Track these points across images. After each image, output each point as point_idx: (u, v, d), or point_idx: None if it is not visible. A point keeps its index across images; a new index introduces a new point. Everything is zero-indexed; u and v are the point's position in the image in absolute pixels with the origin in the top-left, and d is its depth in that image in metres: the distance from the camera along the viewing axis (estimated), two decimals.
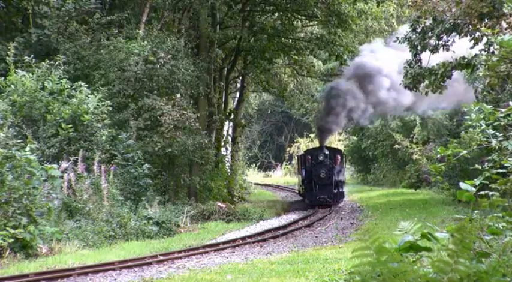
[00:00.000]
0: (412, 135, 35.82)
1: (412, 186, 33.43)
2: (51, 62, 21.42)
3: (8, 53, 20.61)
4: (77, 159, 19.06)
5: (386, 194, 34.78)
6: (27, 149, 16.57)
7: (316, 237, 20.22)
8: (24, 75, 20.49)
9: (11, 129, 17.86)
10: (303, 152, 38.50)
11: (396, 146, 36.03)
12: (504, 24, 9.47)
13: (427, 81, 17.62)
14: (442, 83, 17.03)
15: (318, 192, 31.15)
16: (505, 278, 3.99)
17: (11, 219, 15.03)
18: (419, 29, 17.65)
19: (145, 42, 24.38)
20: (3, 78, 20.82)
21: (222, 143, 34.44)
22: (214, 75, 31.42)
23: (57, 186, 17.51)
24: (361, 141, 46.11)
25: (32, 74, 20.82)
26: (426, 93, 18.55)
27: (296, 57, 35.86)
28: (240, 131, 38.79)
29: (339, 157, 33.54)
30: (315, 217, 25.97)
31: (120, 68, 23.91)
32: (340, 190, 32.60)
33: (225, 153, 35.47)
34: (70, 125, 20.12)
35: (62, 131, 20.09)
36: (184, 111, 24.78)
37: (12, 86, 20.27)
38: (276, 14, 32.71)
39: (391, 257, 3.96)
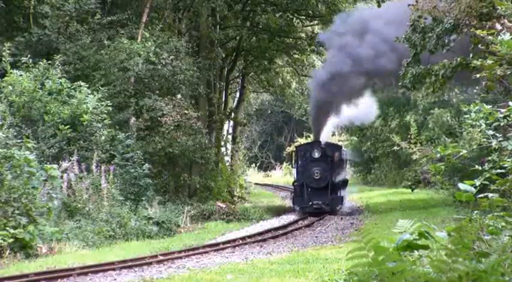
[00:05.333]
0: (409, 136, 35.79)
1: (409, 187, 33.14)
2: (50, 62, 21.41)
3: (4, 53, 20.52)
4: (76, 159, 19.06)
5: (387, 194, 34.79)
6: (23, 148, 16.56)
7: (316, 237, 20.22)
8: (22, 75, 20.47)
9: (11, 129, 17.87)
10: (294, 148, 33.59)
11: (395, 147, 35.98)
12: (498, 26, 9.49)
13: (427, 82, 17.57)
14: (443, 84, 16.99)
15: (310, 197, 26.28)
16: (504, 277, 3.99)
17: (10, 219, 15.03)
18: (419, 29, 17.62)
19: (150, 43, 24.40)
20: (1, 78, 20.78)
21: (222, 143, 34.46)
22: (215, 75, 31.45)
23: (57, 186, 17.51)
24: (361, 142, 46.10)
25: (30, 73, 20.78)
26: (427, 95, 18.50)
27: (297, 56, 35.86)
28: (240, 130, 38.80)
29: (339, 155, 28.76)
30: (315, 217, 25.93)
31: (121, 68, 23.92)
32: (339, 195, 27.74)
33: (225, 153, 35.50)
34: (68, 126, 20.11)
35: (61, 132, 20.09)
36: (186, 111, 24.85)
37: (10, 87, 20.24)
38: (277, 15, 32.76)
39: (389, 257, 3.97)
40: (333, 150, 28.35)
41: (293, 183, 28.79)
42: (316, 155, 27.06)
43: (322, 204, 26.13)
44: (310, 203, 26.20)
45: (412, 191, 31.54)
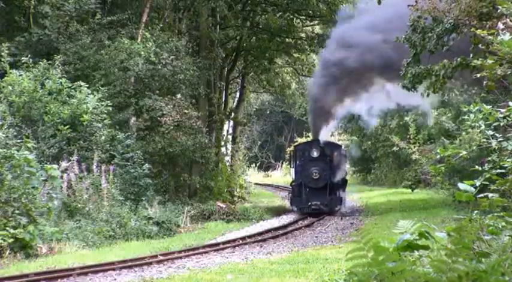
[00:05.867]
0: (408, 136, 35.74)
1: (409, 187, 33.12)
2: (50, 62, 21.41)
3: (2, 54, 20.50)
4: (76, 159, 19.07)
5: (387, 194, 34.80)
6: (23, 148, 16.56)
7: (316, 237, 20.22)
8: (21, 75, 20.46)
9: (11, 129, 17.87)
10: (292, 147, 32.41)
11: (395, 148, 35.91)
12: (501, 25, 9.47)
13: (427, 82, 17.57)
14: (443, 85, 16.99)
15: (308, 198, 25.68)
16: (504, 277, 3.99)
17: (10, 219, 15.04)
18: (419, 29, 17.62)
19: (150, 43, 24.41)
20: (1, 78, 20.77)
21: (222, 143, 34.47)
22: (215, 75, 31.48)
23: (57, 186, 17.52)
24: (361, 142, 46.10)
25: (30, 73, 20.77)
26: (428, 95, 18.47)
27: (297, 56, 35.88)
28: (240, 130, 38.82)
29: (338, 154, 27.81)
30: (315, 217, 25.90)
31: (121, 68, 23.93)
32: (338, 195, 26.90)
33: (225, 153, 35.51)
34: (67, 126, 20.11)
35: (60, 132, 20.09)
36: (186, 111, 24.88)
37: (10, 87, 20.23)
38: (277, 15, 32.79)
39: (389, 257, 3.97)
40: (332, 150, 27.62)
41: (291, 183, 28.06)
42: (315, 154, 26.35)
43: (321, 204, 25.54)
44: (309, 203, 25.59)
45: (412, 191, 31.50)
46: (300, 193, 26.18)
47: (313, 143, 27.42)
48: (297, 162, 27.32)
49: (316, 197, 25.63)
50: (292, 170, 27.92)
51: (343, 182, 28.63)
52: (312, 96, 29.15)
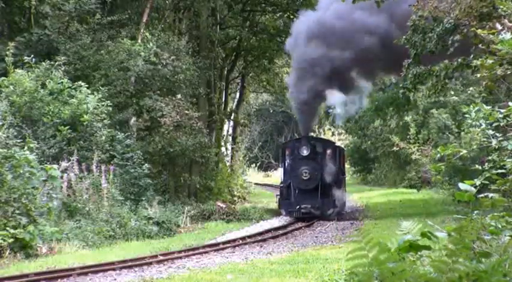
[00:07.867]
0: (408, 136, 35.74)
1: (413, 187, 33.02)
2: (51, 62, 21.42)
3: (7, 53, 20.55)
4: (76, 159, 19.07)
5: (387, 194, 34.81)
6: (25, 148, 16.57)
7: (316, 237, 20.21)
8: (28, 72, 20.46)
9: (11, 129, 17.86)
10: (281, 145, 29.66)
11: (395, 148, 35.91)
12: (498, 26, 9.47)
13: (429, 84, 17.58)
14: (444, 85, 16.99)
15: (298, 200, 23.47)
16: (505, 277, 3.99)
17: (10, 219, 15.03)
18: (419, 30, 17.63)
19: (151, 44, 24.41)
20: (2, 78, 20.77)
21: (222, 143, 34.49)
22: (215, 75, 31.50)
23: (57, 186, 17.51)
24: (361, 142, 46.09)
25: (32, 73, 20.79)
26: (429, 96, 18.50)
27: None
28: (240, 131, 38.84)
29: (332, 152, 25.20)
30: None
31: (121, 68, 23.93)
32: (332, 197, 24.14)
33: (225, 153, 35.55)
34: (68, 127, 20.11)
35: (60, 132, 20.09)
36: (186, 112, 24.88)
37: (11, 87, 20.24)
38: (277, 15, 32.82)
39: (389, 257, 3.96)
40: (325, 147, 25.21)
41: (280, 185, 25.66)
42: (305, 152, 23.77)
43: (311, 208, 23.34)
44: (298, 206, 23.42)
45: (418, 191, 31.46)
46: (288, 195, 24.06)
47: (303, 140, 24.65)
48: (287, 161, 24.94)
49: (306, 200, 23.38)
50: (281, 170, 25.53)
51: (340, 183, 25.89)
52: (297, 87, 25.59)
